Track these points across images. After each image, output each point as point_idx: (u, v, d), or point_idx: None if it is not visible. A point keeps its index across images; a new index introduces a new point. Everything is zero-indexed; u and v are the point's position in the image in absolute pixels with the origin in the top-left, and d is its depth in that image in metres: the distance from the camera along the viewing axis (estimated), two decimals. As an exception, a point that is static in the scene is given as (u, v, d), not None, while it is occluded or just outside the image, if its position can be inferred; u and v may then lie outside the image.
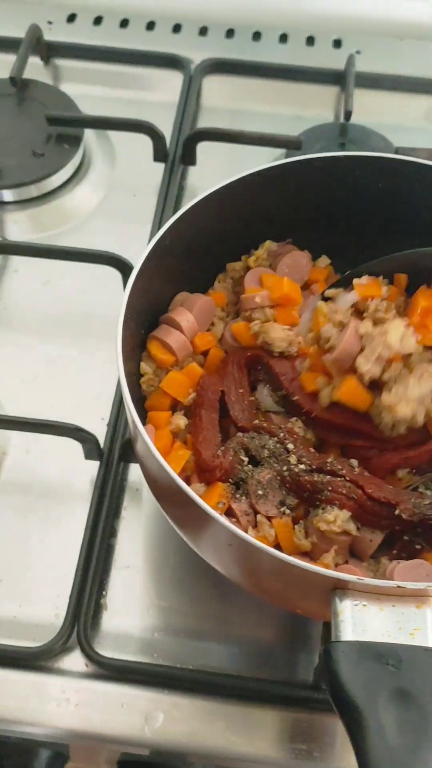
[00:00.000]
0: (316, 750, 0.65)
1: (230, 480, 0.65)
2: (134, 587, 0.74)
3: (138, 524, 0.78)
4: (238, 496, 0.64)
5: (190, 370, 0.71)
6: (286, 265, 0.77)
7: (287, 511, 0.63)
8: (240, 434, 0.67)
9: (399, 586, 0.49)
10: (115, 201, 1.01)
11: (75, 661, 0.70)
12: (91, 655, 0.68)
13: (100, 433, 0.80)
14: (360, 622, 0.49)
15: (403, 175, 0.73)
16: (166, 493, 0.59)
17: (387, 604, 0.50)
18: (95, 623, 0.72)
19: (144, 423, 0.68)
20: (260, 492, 0.63)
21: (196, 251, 0.73)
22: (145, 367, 0.70)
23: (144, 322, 0.72)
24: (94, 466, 0.79)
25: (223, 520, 0.52)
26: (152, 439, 0.66)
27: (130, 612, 0.73)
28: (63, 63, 1.14)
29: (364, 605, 0.50)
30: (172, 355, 0.70)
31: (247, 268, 0.77)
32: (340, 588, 0.51)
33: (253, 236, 0.78)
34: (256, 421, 0.68)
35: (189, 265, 0.74)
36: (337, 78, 1.08)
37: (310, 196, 0.76)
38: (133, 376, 0.69)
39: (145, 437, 0.55)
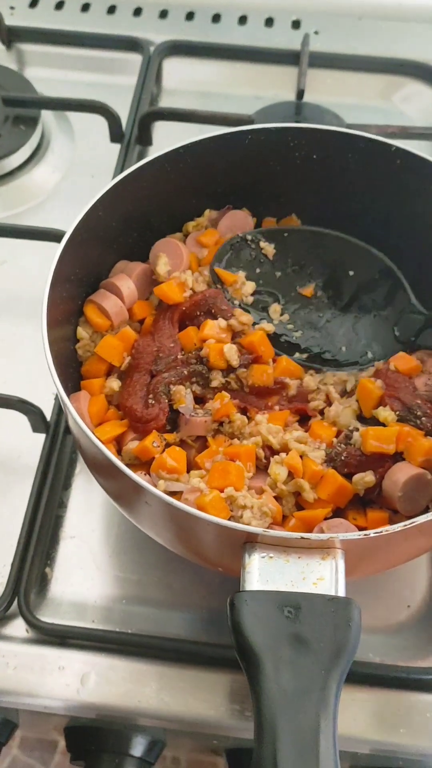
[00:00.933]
0: (248, 709, 0.66)
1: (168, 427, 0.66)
2: (81, 556, 0.76)
3: (88, 496, 0.79)
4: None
5: (123, 334, 0.72)
6: (225, 225, 0.78)
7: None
8: (165, 374, 0.68)
9: (303, 538, 0.50)
10: (73, 181, 1.03)
11: (17, 627, 0.71)
12: (30, 621, 0.70)
13: (49, 407, 0.81)
14: (266, 573, 0.51)
15: (337, 146, 0.74)
16: (88, 454, 0.60)
17: (293, 555, 0.51)
18: (41, 592, 0.74)
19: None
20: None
21: (134, 221, 0.75)
22: (81, 332, 0.72)
23: (84, 291, 0.73)
24: (42, 439, 0.80)
25: (133, 474, 0.53)
26: (86, 405, 0.67)
27: (76, 581, 0.74)
28: (25, 47, 1.15)
29: (271, 557, 0.51)
30: (107, 320, 0.72)
31: (187, 233, 0.78)
32: (250, 542, 0.52)
33: (194, 208, 0.80)
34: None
35: (127, 234, 0.76)
36: (294, 58, 1.09)
37: (246, 168, 0.77)
38: (70, 342, 0.71)
39: (66, 401, 0.56)
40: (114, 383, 0.69)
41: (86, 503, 0.79)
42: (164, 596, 0.73)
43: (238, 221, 0.79)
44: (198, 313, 0.72)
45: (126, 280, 0.74)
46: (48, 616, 0.71)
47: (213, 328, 0.70)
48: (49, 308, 0.62)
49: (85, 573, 0.75)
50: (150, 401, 0.67)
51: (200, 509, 0.56)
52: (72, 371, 0.72)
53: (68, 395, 0.62)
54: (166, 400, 0.68)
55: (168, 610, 0.72)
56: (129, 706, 0.66)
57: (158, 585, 0.74)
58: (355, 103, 1.08)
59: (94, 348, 0.71)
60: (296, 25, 1.17)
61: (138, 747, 0.70)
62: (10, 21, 1.14)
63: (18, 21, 1.15)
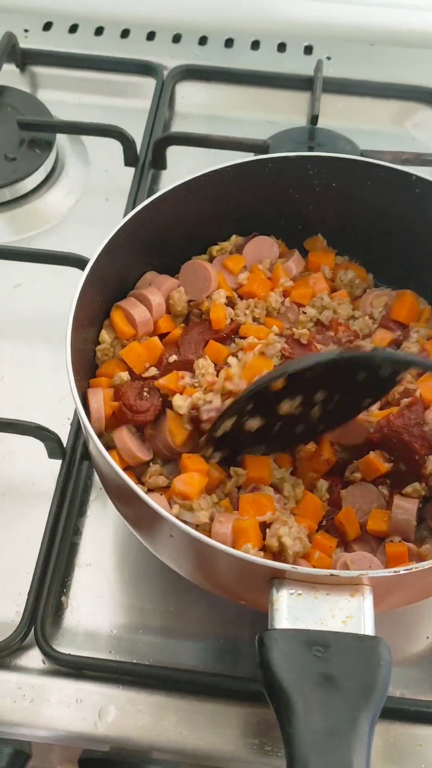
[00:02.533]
0: (267, 744, 0.65)
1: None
2: (97, 585, 0.75)
3: (103, 523, 0.79)
4: None
5: (150, 343, 0.73)
6: (250, 250, 0.79)
7: None
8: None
9: (332, 575, 0.50)
10: (87, 204, 1.03)
11: (32, 658, 0.70)
12: (47, 652, 0.69)
13: (65, 433, 0.80)
14: (294, 610, 0.50)
15: (356, 175, 0.75)
16: (111, 486, 0.60)
17: (322, 592, 0.51)
18: (57, 620, 0.73)
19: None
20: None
21: (157, 245, 0.76)
22: (105, 335, 0.73)
23: (110, 295, 0.75)
24: (58, 465, 0.80)
25: (157, 506, 0.52)
26: (100, 399, 0.68)
27: (92, 609, 0.74)
28: (39, 70, 1.16)
29: (300, 594, 0.51)
30: (133, 328, 0.73)
31: (212, 257, 0.80)
32: (277, 578, 0.52)
33: (215, 234, 0.80)
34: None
35: (151, 257, 0.77)
36: (306, 83, 1.10)
37: (266, 195, 0.77)
38: (91, 343, 0.73)
39: (89, 429, 0.56)
40: (124, 375, 0.70)
41: (101, 530, 0.78)
42: (181, 626, 0.72)
43: (263, 247, 0.79)
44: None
45: (157, 294, 0.75)
46: (64, 647, 0.71)
47: None
48: (73, 334, 0.62)
49: (101, 602, 0.74)
50: (145, 394, 0.68)
51: (238, 533, 0.55)
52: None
53: (89, 417, 0.62)
54: (159, 397, 0.70)
55: (184, 640, 0.72)
56: (147, 741, 0.66)
57: (174, 614, 0.73)
58: (367, 129, 1.08)
59: (112, 354, 0.73)
60: (308, 50, 1.18)
61: (151, 780, 0.69)
62: (24, 44, 1.14)
63: (32, 44, 1.16)
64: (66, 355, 0.62)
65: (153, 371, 0.72)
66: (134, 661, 0.70)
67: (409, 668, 0.70)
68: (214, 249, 0.80)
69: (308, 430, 0.67)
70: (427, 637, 0.72)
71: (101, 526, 0.78)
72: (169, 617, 0.73)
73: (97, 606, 0.74)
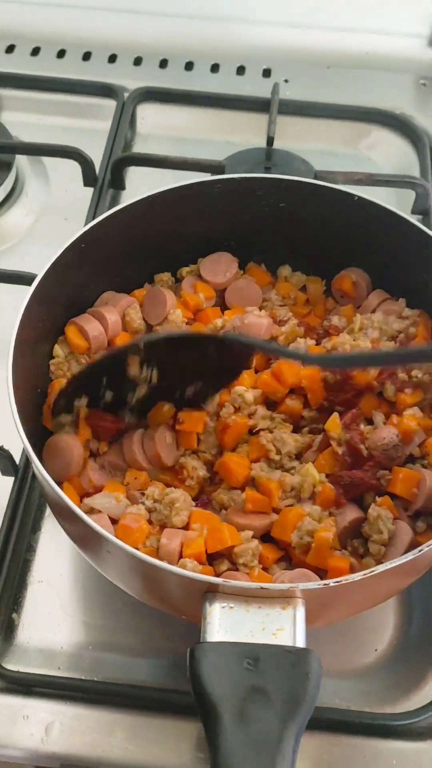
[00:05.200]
0: (213, 758, 0.66)
1: None
2: (49, 602, 0.75)
3: (57, 539, 0.79)
4: None
5: None
6: (207, 267, 0.82)
7: None
8: None
9: (263, 588, 0.51)
10: (47, 224, 1.04)
11: (-19, 675, 0.71)
12: (-5, 669, 0.69)
13: (18, 450, 0.81)
14: (226, 623, 0.51)
15: (303, 196, 0.77)
16: (53, 503, 0.61)
17: (254, 606, 0.51)
18: (7, 637, 0.73)
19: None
20: None
21: (111, 264, 0.79)
22: (58, 350, 0.75)
23: (63, 314, 0.77)
24: (10, 482, 0.80)
25: (93, 522, 0.53)
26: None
27: (42, 626, 0.74)
28: (1, 92, 1.17)
29: (232, 607, 0.51)
30: (86, 342, 0.75)
31: (181, 278, 0.82)
32: (210, 591, 0.52)
33: (169, 254, 0.82)
34: None
35: (104, 276, 0.79)
36: (264, 105, 1.11)
37: (217, 216, 0.79)
38: (45, 358, 0.75)
39: (27, 446, 0.57)
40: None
41: (55, 547, 0.78)
42: (131, 642, 0.73)
43: (221, 264, 0.81)
44: None
45: (112, 312, 0.77)
46: (13, 664, 0.71)
47: None
48: (15, 353, 0.63)
49: (53, 619, 0.74)
50: None
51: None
52: (40, 402, 0.74)
53: (30, 441, 0.63)
54: None
55: (135, 656, 0.72)
56: (93, 756, 0.66)
57: (125, 631, 0.73)
58: (323, 149, 1.10)
59: (66, 369, 0.74)
60: (267, 73, 1.20)
61: (102, 797, 0.69)
62: (-14, 66, 1.16)
63: (-6, 66, 1.17)
64: (8, 374, 0.63)
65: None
66: (83, 677, 0.70)
67: (357, 681, 0.71)
68: (184, 270, 0.82)
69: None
70: (375, 650, 0.73)
71: (55, 543, 0.78)
72: (120, 634, 0.73)
73: (49, 623, 0.74)
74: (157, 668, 0.71)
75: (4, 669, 0.69)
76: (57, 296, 0.73)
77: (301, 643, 0.50)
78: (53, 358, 0.76)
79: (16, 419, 0.61)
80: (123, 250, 0.79)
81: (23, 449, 0.81)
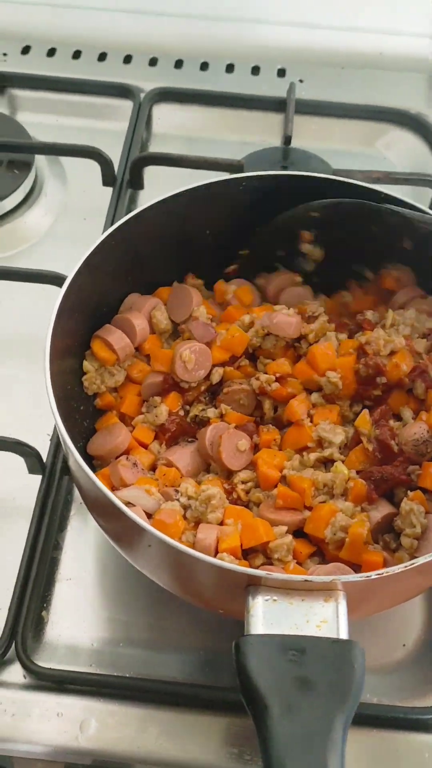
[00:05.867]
0: (247, 752, 0.66)
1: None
2: (77, 599, 0.75)
3: (84, 537, 0.79)
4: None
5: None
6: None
7: None
8: None
9: (307, 580, 0.51)
10: (65, 224, 1.04)
11: (14, 673, 0.70)
12: (28, 666, 0.69)
13: (45, 448, 0.81)
14: (270, 616, 0.51)
15: (326, 194, 0.77)
16: (90, 498, 0.61)
17: (297, 598, 0.52)
18: (37, 635, 0.73)
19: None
20: None
21: (136, 265, 0.78)
22: (87, 365, 0.75)
23: (90, 324, 0.77)
24: (38, 480, 0.80)
25: (134, 515, 0.53)
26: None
27: (72, 623, 0.74)
28: (18, 93, 1.17)
29: (275, 600, 0.52)
30: (113, 354, 0.75)
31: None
32: (252, 584, 0.53)
33: (194, 252, 0.82)
34: None
35: (130, 277, 0.79)
36: (280, 105, 1.12)
37: (241, 214, 0.79)
38: (74, 374, 0.75)
39: (66, 438, 0.57)
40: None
41: (82, 545, 0.79)
42: (161, 638, 0.73)
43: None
44: None
45: (139, 317, 0.77)
46: (45, 661, 0.71)
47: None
48: (52, 349, 0.63)
49: (82, 615, 0.74)
50: None
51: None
52: (74, 405, 0.74)
53: (68, 432, 0.63)
54: None
55: (165, 652, 0.72)
56: (128, 753, 0.66)
57: (155, 627, 0.74)
58: (339, 149, 1.11)
59: (100, 382, 0.75)
60: (281, 73, 1.20)
61: (135, 793, 0.69)
62: (2, 67, 1.16)
63: (10, 67, 1.18)
64: (45, 365, 0.63)
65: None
66: (115, 674, 0.70)
67: (386, 676, 0.71)
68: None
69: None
70: (404, 645, 0.73)
71: (82, 541, 0.79)
72: (151, 630, 0.73)
73: (78, 620, 0.74)
74: (188, 664, 0.71)
75: (36, 666, 0.69)
76: (84, 297, 0.73)
77: (344, 635, 0.51)
78: (84, 373, 0.76)
79: (54, 411, 0.61)
80: (147, 250, 0.78)
81: (50, 447, 0.82)
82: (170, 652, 0.72)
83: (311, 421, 0.71)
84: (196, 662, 0.72)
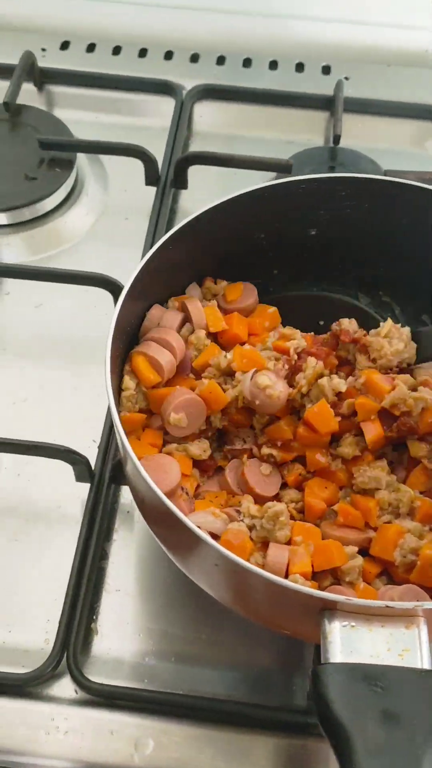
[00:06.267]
0: (309, 778, 0.64)
1: None
2: (125, 611, 0.74)
3: (130, 547, 0.77)
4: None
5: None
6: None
7: None
8: None
9: (388, 606, 0.49)
10: (107, 224, 1.02)
11: (64, 687, 0.69)
12: (80, 681, 0.67)
13: (91, 455, 0.79)
14: (349, 643, 0.49)
15: (389, 196, 0.74)
16: (154, 513, 0.59)
17: (376, 625, 0.49)
18: (86, 648, 0.72)
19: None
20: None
21: (188, 268, 0.75)
22: (128, 381, 0.68)
23: (127, 339, 0.71)
24: (84, 488, 0.78)
25: (209, 539, 0.51)
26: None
27: (121, 636, 0.72)
28: (56, 89, 1.15)
29: (353, 626, 0.49)
30: (159, 375, 0.69)
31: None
32: (329, 609, 0.50)
33: (245, 257, 0.79)
34: None
35: (185, 277, 0.76)
36: (326, 103, 1.10)
37: (297, 218, 0.77)
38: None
39: (133, 456, 0.55)
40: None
41: (128, 555, 0.77)
42: (213, 653, 0.71)
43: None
44: None
45: (175, 336, 0.71)
46: (94, 675, 0.69)
47: None
48: (111, 365, 0.61)
49: (131, 628, 0.73)
50: None
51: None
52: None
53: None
54: None
55: (219, 669, 0.70)
56: (184, 773, 0.64)
57: (206, 641, 0.72)
58: (387, 149, 1.08)
59: (139, 400, 0.68)
60: (326, 70, 1.18)
61: None
62: (42, 63, 1.14)
63: (49, 63, 1.15)
64: (106, 382, 0.61)
65: None
66: (167, 690, 0.68)
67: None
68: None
69: None
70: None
71: (128, 551, 0.77)
72: (201, 644, 0.72)
73: (127, 632, 0.72)
74: (242, 681, 0.70)
75: (89, 681, 0.67)
76: (144, 297, 0.71)
77: (428, 664, 0.48)
78: (123, 390, 0.69)
79: (116, 421, 0.59)
80: (207, 253, 0.75)
81: (98, 456, 0.80)
82: (224, 669, 0.70)
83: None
84: (250, 680, 0.70)
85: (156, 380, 0.69)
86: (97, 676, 0.69)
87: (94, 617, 0.73)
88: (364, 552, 0.64)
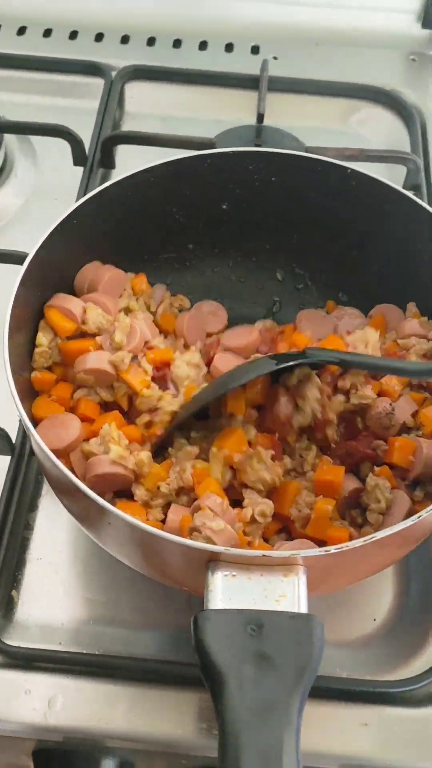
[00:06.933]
0: (215, 728, 0.66)
1: None
2: (48, 579, 0.75)
3: (54, 517, 0.79)
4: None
5: None
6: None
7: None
8: None
9: (265, 555, 0.51)
10: (37, 205, 1.03)
11: (-18, 652, 0.71)
12: (-2, 645, 0.69)
13: (11, 427, 0.81)
14: (229, 591, 0.51)
15: (294, 169, 0.76)
16: (52, 477, 0.61)
17: (256, 573, 0.52)
18: (7, 615, 0.73)
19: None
20: None
21: (99, 243, 0.77)
22: (41, 338, 0.71)
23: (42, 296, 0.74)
24: (5, 461, 0.80)
25: (95, 495, 0.53)
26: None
27: (42, 603, 0.74)
28: (-12, 72, 1.16)
29: (234, 575, 0.52)
30: (73, 322, 0.71)
31: None
32: (213, 560, 0.53)
33: (158, 233, 0.81)
34: None
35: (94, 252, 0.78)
36: (253, 82, 1.11)
37: (208, 193, 0.79)
38: (23, 347, 0.71)
39: (25, 419, 0.57)
40: None
41: (53, 525, 0.78)
42: (132, 616, 0.73)
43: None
44: None
45: (76, 304, 0.73)
46: (14, 640, 0.71)
47: None
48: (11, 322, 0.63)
49: (53, 595, 0.74)
50: None
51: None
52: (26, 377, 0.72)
53: (29, 416, 0.63)
54: None
55: (136, 630, 0.72)
56: (97, 729, 0.66)
57: (126, 605, 0.74)
58: (313, 126, 1.10)
59: (49, 358, 0.71)
60: (255, 50, 1.19)
61: (107, 769, 0.70)
62: (-28, 46, 1.14)
63: (-20, 46, 1.16)
64: (3, 351, 0.62)
65: None
66: (84, 651, 0.70)
67: (357, 650, 0.72)
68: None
69: None
70: (374, 620, 0.73)
71: (52, 521, 0.79)
72: (121, 608, 0.74)
73: (49, 599, 0.74)
74: (158, 641, 0.72)
75: (4, 645, 0.69)
76: (47, 276, 0.72)
77: (304, 609, 0.51)
78: (36, 346, 0.72)
79: (15, 397, 0.61)
80: (113, 228, 0.77)
81: (19, 427, 0.81)
82: (141, 630, 0.72)
83: None
84: (167, 639, 0.72)
85: (72, 327, 0.72)
86: (16, 640, 0.71)
87: (16, 585, 0.75)
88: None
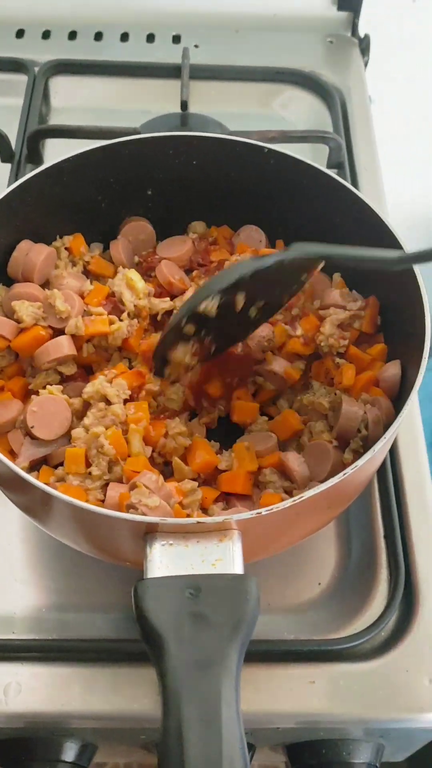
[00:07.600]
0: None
1: None
2: (-1, 567, 0.76)
3: (2, 508, 0.79)
4: None
5: None
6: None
7: None
8: None
9: (199, 522, 0.53)
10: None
11: None
12: None
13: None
14: (167, 560, 0.53)
15: (215, 152, 0.79)
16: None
17: (192, 541, 0.54)
18: (-42, 608, 0.74)
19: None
20: None
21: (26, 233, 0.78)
22: None
23: None
24: None
25: (26, 475, 0.54)
26: None
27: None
28: None
29: (171, 544, 0.53)
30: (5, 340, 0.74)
31: None
32: (150, 531, 0.54)
33: (86, 222, 0.82)
34: None
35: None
36: (176, 71, 1.12)
37: (132, 179, 0.80)
38: None
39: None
40: None
41: (4, 512, 0.79)
42: (83, 600, 0.75)
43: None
44: None
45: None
46: (-35, 632, 0.72)
47: None
48: None
49: (4, 585, 0.75)
50: None
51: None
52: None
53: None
54: None
55: (88, 612, 0.74)
56: (54, 711, 0.67)
57: (76, 590, 0.75)
58: (237, 112, 1.12)
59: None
60: (176, 39, 1.20)
61: (69, 752, 0.71)
62: None
63: None
64: None
65: None
66: (37, 637, 0.71)
67: (303, 614, 0.74)
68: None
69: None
70: (319, 584, 0.76)
71: (5, 509, 0.79)
72: (73, 593, 0.75)
73: (0, 590, 0.75)
74: (110, 622, 0.73)
75: (-43, 637, 0.70)
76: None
77: (239, 570, 0.53)
78: None
79: None
80: (40, 218, 0.78)
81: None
82: (94, 612, 0.74)
83: None
84: (119, 620, 0.73)
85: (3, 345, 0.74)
86: (-30, 632, 0.72)
87: (-39, 578, 0.75)
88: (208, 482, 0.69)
